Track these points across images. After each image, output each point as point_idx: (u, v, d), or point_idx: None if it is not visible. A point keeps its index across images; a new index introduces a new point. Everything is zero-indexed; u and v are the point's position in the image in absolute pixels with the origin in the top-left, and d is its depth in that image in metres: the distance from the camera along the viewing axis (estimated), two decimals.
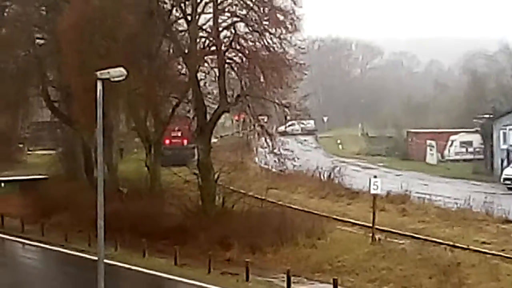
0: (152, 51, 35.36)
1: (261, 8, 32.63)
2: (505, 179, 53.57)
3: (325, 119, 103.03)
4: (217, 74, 33.49)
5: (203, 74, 35.15)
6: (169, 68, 36.20)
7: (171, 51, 36.36)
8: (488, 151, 65.93)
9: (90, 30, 33.35)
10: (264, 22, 32.39)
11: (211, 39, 33.56)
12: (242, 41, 32.84)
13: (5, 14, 44.37)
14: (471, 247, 27.29)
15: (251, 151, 54.00)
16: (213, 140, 38.68)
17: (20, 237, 36.66)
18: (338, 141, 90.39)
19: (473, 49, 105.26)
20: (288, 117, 35.11)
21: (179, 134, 55.36)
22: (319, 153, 75.84)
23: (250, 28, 32.89)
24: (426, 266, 24.87)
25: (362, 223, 32.20)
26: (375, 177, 30.00)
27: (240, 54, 33.06)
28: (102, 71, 17.33)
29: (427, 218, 33.99)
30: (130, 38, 33.15)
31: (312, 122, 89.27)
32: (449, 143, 74.69)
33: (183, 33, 35.27)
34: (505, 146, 61.58)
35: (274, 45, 32.31)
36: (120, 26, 33.33)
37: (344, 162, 63.62)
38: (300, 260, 27.49)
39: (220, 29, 33.25)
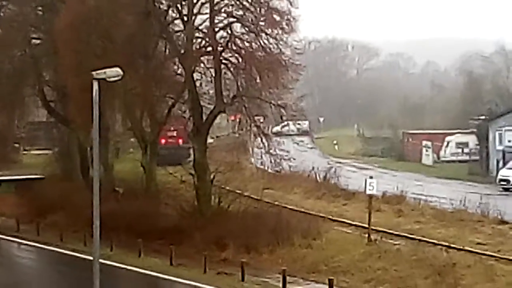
0: (149, 52, 35.35)
1: (258, 9, 32.64)
2: (500, 180, 53.63)
3: (321, 119, 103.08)
4: (213, 75, 33.52)
5: (199, 74, 35.19)
6: (165, 69, 36.19)
7: (167, 51, 36.34)
8: (484, 152, 65.99)
9: (86, 30, 33.36)
10: (261, 23, 32.37)
11: (207, 39, 33.53)
12: (238, 42, 32.84)
13: (1, 14, 44.31)
14: (466, 247, 27.29)
15: (247, 151, 53.91)
16: (209, 140, 38.63)
17: (15, 236, 36.65)
18: (334, 142, 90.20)
19: (469, 50, 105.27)
20: (284, 118, 35.12)
21: (174, 134, 55.39)
22: (315, 154, 75.78)
23: (246, 28, 32.89)
24: (421, 267, 24.87)
25: (358, 223, 32.20)
26: (371, 177, 29.98)
27: (236, 55, 33.05)
28: (98, 71, 17.36)
29: (423, 218, 33.95)
30: (127, 38, 33.15)
31: (307, 122, 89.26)
32: (445, 144, 74.75)
33: (179, 33, 35.26)
34: (500, 147, 61.67)
35: (270, 46, 32.28)
36: (116, 26, 33.31)
37: (340, 162, 63.76)
38: (296, 261, 27.46)
39: (217, 29, 33.23)
